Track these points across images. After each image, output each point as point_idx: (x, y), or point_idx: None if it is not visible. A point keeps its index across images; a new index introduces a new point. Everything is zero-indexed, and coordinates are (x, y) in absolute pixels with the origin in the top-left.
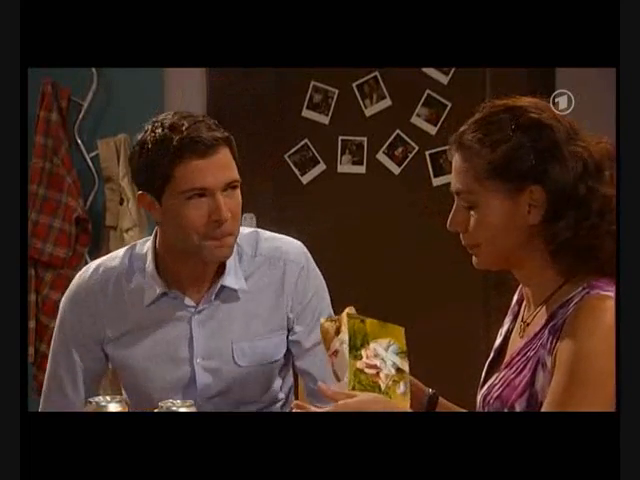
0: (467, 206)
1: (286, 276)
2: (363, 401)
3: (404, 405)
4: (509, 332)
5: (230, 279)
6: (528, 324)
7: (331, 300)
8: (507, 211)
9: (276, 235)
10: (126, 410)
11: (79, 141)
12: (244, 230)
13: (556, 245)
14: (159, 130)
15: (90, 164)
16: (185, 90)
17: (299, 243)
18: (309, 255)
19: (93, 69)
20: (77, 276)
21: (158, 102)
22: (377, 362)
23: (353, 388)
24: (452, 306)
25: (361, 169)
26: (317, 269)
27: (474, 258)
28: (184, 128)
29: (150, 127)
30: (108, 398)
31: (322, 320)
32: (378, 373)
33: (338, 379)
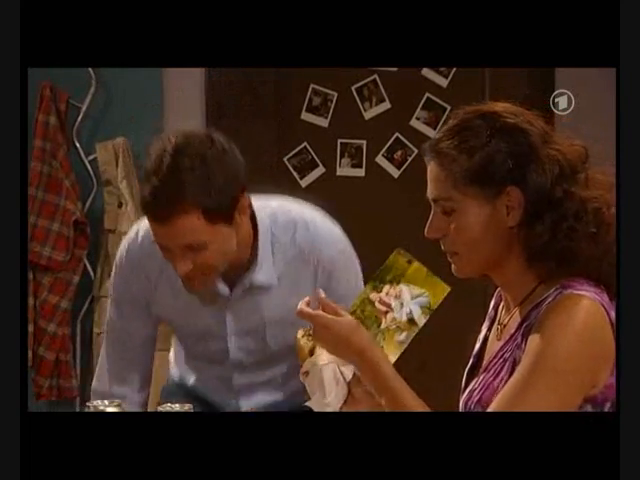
0: (446, 213)
1: (319, 270)
2: (343, 324)
3: (391, 353)
4: (487, 337)
5: (260, 275)
6: (504, 326)
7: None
8: (486, 215)
9: (317, 221)
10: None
11: (77, 144)
12: (281, 215)
13: (534, 248)
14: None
15: (89, 167)
16: (184, 93)
17: (338, 232)
18: (346, 245)
19: (91, 72)
20: (126, 239)
21: (157, 105)
22: (393, 303)
23: (353, 313)
24: (452, 309)
25: (360, 172)
26: (354, 259)
27: (453, 266)
28: (150, 185)
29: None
30: (106, 402)
31: (299, 335)
32: (387, 312)
33: (309, 397)
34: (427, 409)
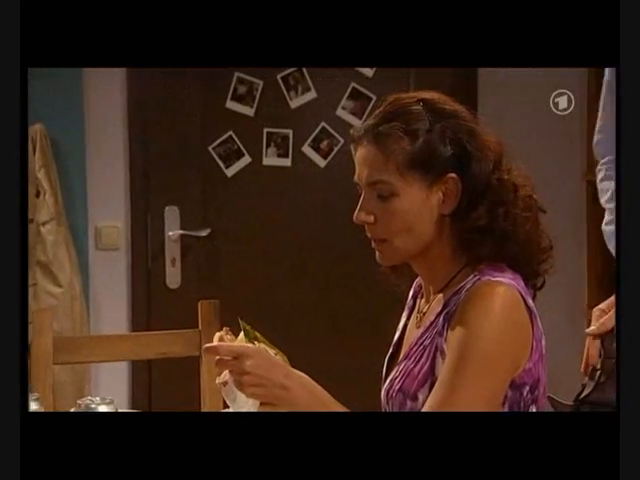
0: (381, 197)
1: None
2: (248, 348)
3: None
4: (406, 325)
5: None
6: (424, 314)
7: (258, 293)
8: (422, 201)
9: None
10: (116, 410)
11: None
12: None
13: (469, 235)
14: None
15: None
16: (106, 79)
17: None
18: None
19: None
20: None
21: (76, 92)
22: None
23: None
24: (378, 298)
25: (286, 162)
26: None
27: (378, 254)
28: None
29: None
30: (98, 399)
31: (216, 340)
32: None
33: (228, 405)
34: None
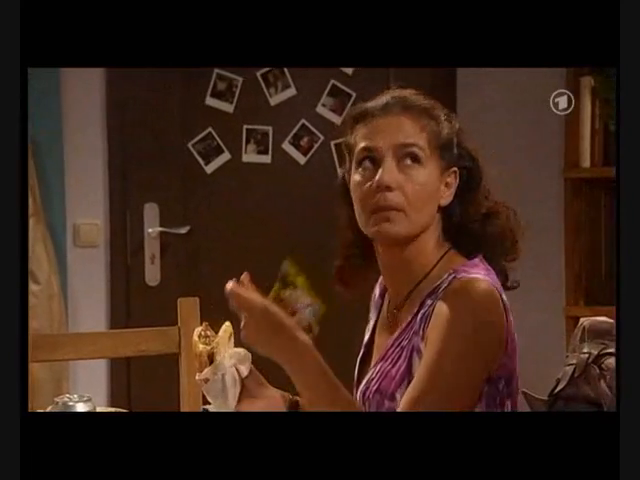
0: (410, 162)
1: None
2: (263, 307)
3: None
4: (375, 326)
5: None
6: (398, 313)
7: None
8: (436, 182)
9: None
10: (94, 409)
11: None
12: None
13: (457, 229)
14: None
15: None
16: (85, 76)
17: None
18: None
19: None
20: None
21: (54, 90)
22: (298, 305)
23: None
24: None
25: (266, 159)
26: None
27: (388, 225)
28: None
29: None
30: (75, 397)
31: (195, 337)
32: (293, 313)
33: (209, 402)
34: (353, 402)
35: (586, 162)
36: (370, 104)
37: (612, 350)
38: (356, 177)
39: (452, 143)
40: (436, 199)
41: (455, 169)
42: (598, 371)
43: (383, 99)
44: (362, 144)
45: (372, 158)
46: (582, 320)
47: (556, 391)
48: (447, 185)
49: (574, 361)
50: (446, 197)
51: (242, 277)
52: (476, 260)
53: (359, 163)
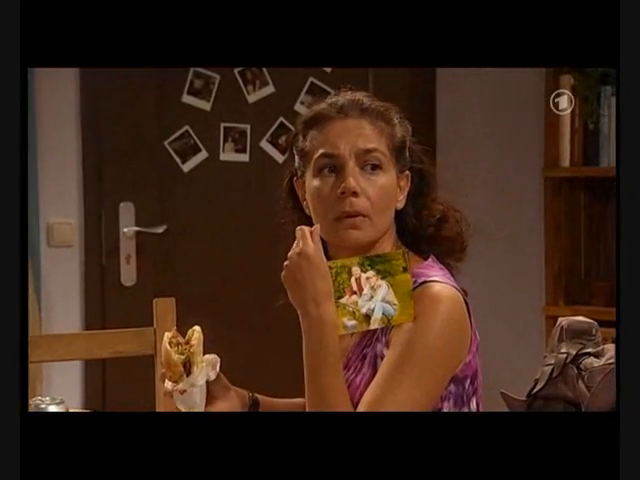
0: (371, 168)
1: None
2: (323, 265)
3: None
4: None
5: None
6: None
7: (215, 290)
8: (395, 186)
9: None
10: (67, 410)
11: None
12: None
13: (411, 232)
14: None
15: None
16: (57, 74)
17: None
18: None
19: None
20: None
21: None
22: (366, 289)
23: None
24: None
25: (244, 157)
26: None
27: (355, 232)
28: None
29: None
30: (48, 399)
31: (167, 345)
32: (354, 293)
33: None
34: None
35: (566, 161)
36: (323, 107)
37: (590, 350)
38: (315, 183)
39: (405, 146)
40: (394, 203)
41: (407, 172)
42: (576, 371)
43: (337, 101)
44: (321, 150)
45: (333, 164)
46: (560, 320)
47: (534, 391)
48: (401, 189)
49: (552, 361)
50: (401, 201)
51: (313, 228)
52: (430, 261)
53: (319, 170)
